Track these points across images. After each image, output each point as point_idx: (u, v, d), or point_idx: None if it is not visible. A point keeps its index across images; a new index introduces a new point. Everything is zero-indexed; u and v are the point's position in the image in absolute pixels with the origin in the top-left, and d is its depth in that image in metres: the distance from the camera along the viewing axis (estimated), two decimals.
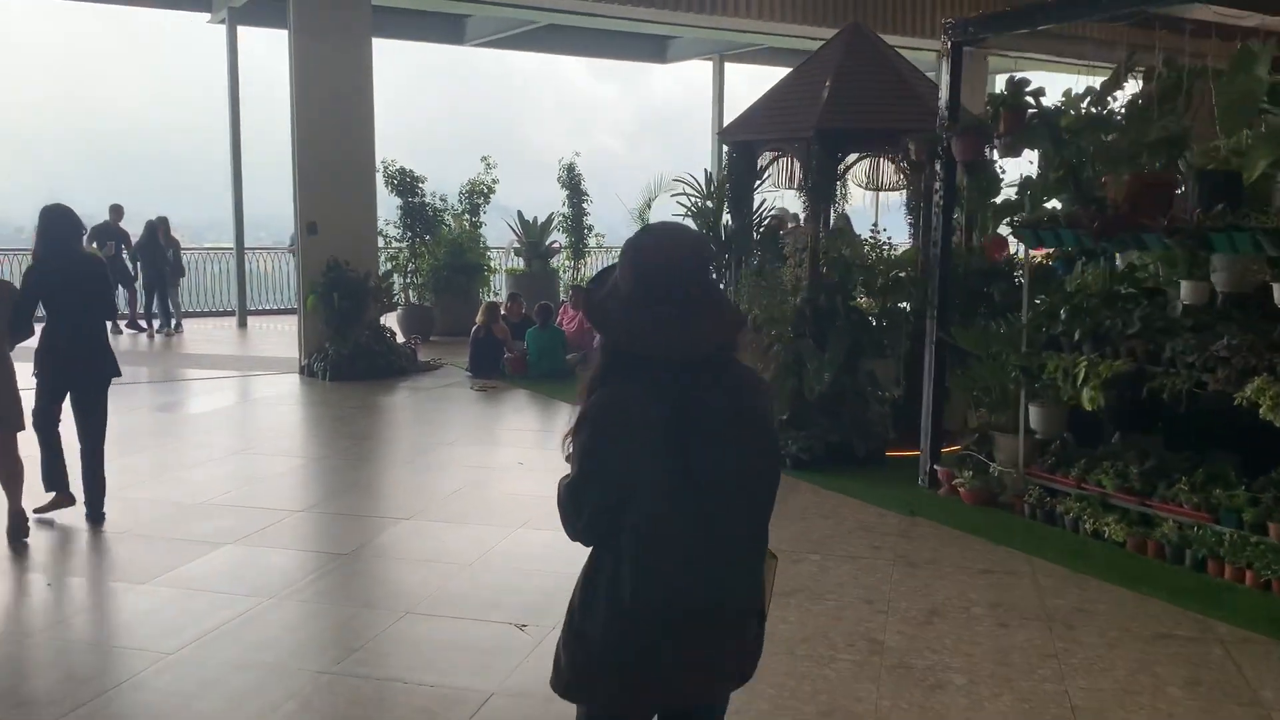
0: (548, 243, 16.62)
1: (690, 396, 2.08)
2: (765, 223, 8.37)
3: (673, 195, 9.22)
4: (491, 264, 16.61)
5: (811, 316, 7.77)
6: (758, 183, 8.33)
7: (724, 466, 2.10)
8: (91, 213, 18.98)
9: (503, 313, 12.37)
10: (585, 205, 17.36)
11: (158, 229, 15.93)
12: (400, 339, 12.56)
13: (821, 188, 7.76)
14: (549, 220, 16.97)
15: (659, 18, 13.68)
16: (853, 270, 8.01)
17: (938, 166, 6.35)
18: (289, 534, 6.04)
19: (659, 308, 2.08)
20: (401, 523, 6.24)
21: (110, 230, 15.98)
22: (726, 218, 8.56)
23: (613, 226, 19.00)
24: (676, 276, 2.11)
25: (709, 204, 8.37)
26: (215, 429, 9.20)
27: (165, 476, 7.31)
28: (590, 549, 2.22)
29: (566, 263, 17.41)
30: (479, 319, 11.82)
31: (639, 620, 2.11)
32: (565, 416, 9.34)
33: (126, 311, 16.08)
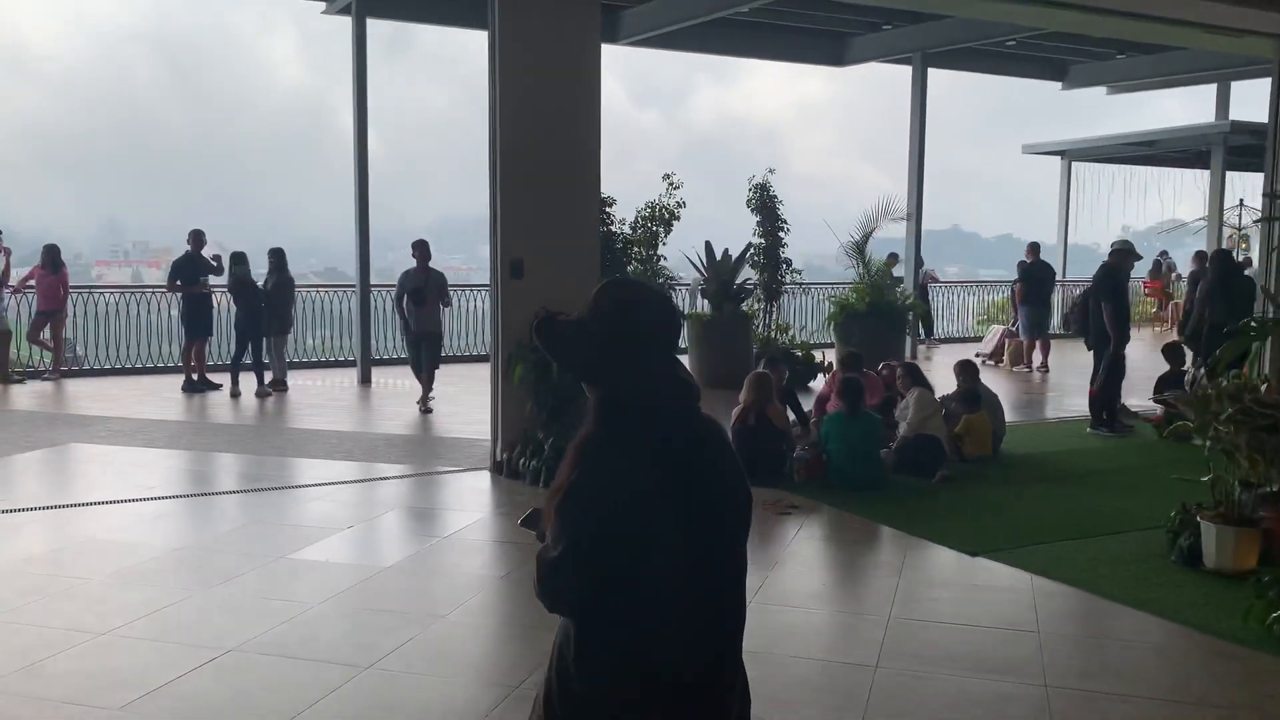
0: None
1: (687, 442, 2.03)
2: None
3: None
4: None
5: None
6: None
7: (721, 515, 2.05)
8: (171, 244, 15.82)
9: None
10: (782, 235, 14.00)
11: (245, 260, 12.59)
12: None
13: None
14: (744, 252, 13.62)
15: None
16: None
17: None
18: None
19: (664, 358, 2.08)
20: None
21: (194, 263, 12.67)
22: None
23: (808, 260, 15.64)
24: (673, 327, 2.16)
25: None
26: (402, 627, 4.93)
27: None
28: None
29: (757, 306, 14.02)
30: (743, 397, 8.35)
31: (646, 686, 1.98)
32: (939, 570, 5.86)
33: (195, 364, 12.74)
